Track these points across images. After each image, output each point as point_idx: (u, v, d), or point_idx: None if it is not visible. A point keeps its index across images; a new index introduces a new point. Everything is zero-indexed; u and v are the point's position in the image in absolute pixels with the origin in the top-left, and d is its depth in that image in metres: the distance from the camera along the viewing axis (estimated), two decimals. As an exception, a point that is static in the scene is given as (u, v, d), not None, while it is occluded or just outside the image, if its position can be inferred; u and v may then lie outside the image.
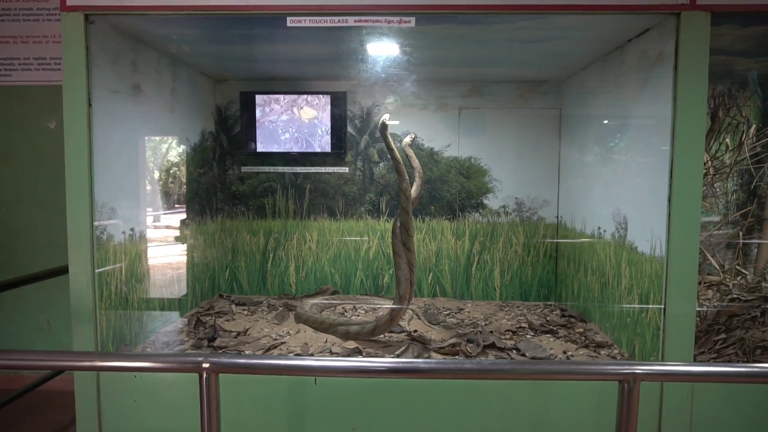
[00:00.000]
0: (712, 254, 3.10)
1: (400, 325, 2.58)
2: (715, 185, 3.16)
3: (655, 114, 2.02)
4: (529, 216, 3.25)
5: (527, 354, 2.25)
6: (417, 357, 2.23)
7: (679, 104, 1.88)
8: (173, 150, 2.89)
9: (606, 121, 2.56)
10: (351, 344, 2.37)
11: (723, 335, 1.99)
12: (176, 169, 2.91)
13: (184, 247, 2.96)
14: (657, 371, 1.58)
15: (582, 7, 1.87)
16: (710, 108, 3.12)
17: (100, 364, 1.54)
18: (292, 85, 3.23)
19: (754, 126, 3.10)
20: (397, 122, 3.22)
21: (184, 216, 2.97)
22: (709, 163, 3.10)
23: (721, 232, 3.20)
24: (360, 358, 2.10)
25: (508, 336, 2.50)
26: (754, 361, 1.95)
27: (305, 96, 3.15)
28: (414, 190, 2.46)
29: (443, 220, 3.27)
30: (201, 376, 1.50)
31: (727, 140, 3.17)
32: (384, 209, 3.29)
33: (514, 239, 3.25)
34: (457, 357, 2.24)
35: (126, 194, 2.31)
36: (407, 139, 2.54)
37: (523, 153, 3.24)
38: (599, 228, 2.59)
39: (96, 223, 2.06)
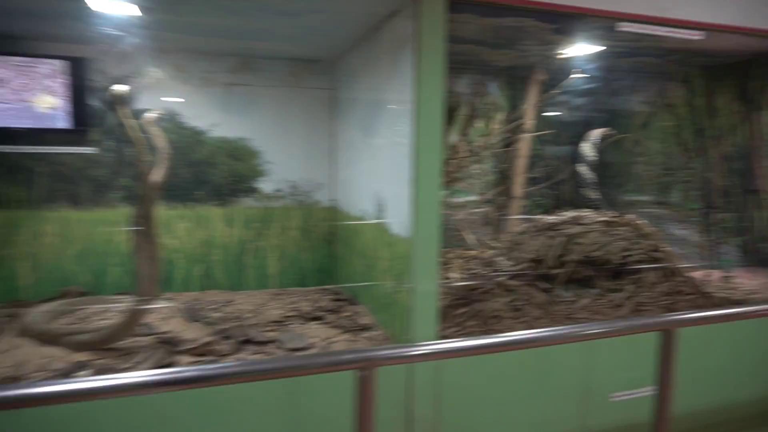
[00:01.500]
0: (470, 231, 3.37)
1: (149, 327, 2.28)
2: (471, 167, 3.44)
3: (404, 97, 2.03)
4: (304, 199, 3.16)
5: (287, 345, 2.14)
6: (160, 362, 1.97)
7: (421, 87, 1.90)
8: None
9: (367, 103, 2.55)
10: (83, 356, 2.01)
11: (465, 308, 2.11)
12: None
13: None
14: (391, 355, 1.57)
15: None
16: (468, 95, 3.35)
17: None
18: (14, 45, 2.64)
19: (503, 113, 3.43)
20: (179, 99, 2.84)
21: None
22: (464, 146, 3.35)
23: (480, 210, 3.50)
24: (42, 382, 1.74)
25: (272, 327, 2.37)
26: (489, 330, 2.11)
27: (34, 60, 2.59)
28: (158, 174, 2.16)
29: (212, 207, 3.00)
30: None
31: (482, 125, 3.46)
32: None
33: (290, 224, 3.13)
34: (208, 357, 2.03)
35: None
36: (150, 116, 2.22)
37: (297, 134, 3.11)
38: (363, 210, 2.59)
39: None
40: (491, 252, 2.51)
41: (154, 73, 2.85)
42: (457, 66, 3.09)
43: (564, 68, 2.96)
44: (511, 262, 2.31)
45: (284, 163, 3.10)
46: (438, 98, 1.91)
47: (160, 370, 1.40)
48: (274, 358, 1.85)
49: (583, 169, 2.81)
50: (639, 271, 2.39)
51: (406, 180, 1.98)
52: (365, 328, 2.37)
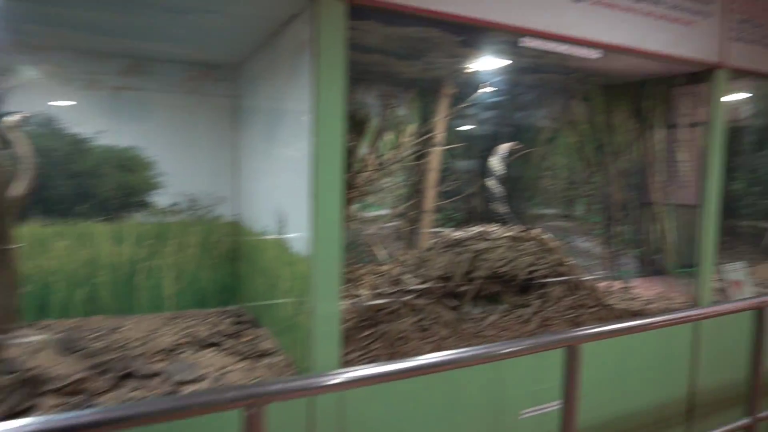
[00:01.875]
0: (382, 246, 3.28)
1: (11, 363, 1.97)
2: (382, 180, 3.37)
3: (302, 106, 1.90)
4: (204, 214, 2.93)
5: (174, 378, 1.93)
6: (17, 407, 1.69)
7: (320, 95, 1.78)
8: None
9: (268, 112, 2.39)
10: None
11: (370, 331, 2.00)
12: None
13: None
14: (282, 390, 1.42)
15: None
16: (377, 107, 3.29)
17: None
18: None
19: (413, 126, 3.39)
20: (58, 102, 2.53)
21: None
22: (374, 159, 3.28)
23: (392, 224, 3.42)
24: None
25: (160, 357, 2.14)
26: (395, 353, 2.00)
27: None
28: (19, 187, 1.88)
29: (97, 223, 2.71)
30: None
31: (393, 138, 3.41)
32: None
33: (189, 240, 2.89)
34: (79, 396, 1.78)
35: None
36: (11, 119, 1.94)
37: (196, 144, 2.89)
38: (266, 226, 2.42)
39: None
40: (399, 269, 2.43)
41: (27, 72, 2.53)
42: (365, 77, 3.01)
43: (472, 82, 2.96)
44: (418, 280, 2.24)
45: (182, 175, 2.86)
46: (338, 107, 1.80)
47: (6, 423, 1.17)
48: (142, 402, 1.64)
49: (492, 183, 2.81)
50: (545, 285, 2.40)
51: (305, 194, 1.85)
52: (266, 353, 2.19)
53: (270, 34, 2.29)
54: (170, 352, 2.19)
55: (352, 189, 2.97)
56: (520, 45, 2.26)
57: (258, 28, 2.23)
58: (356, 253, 3.17)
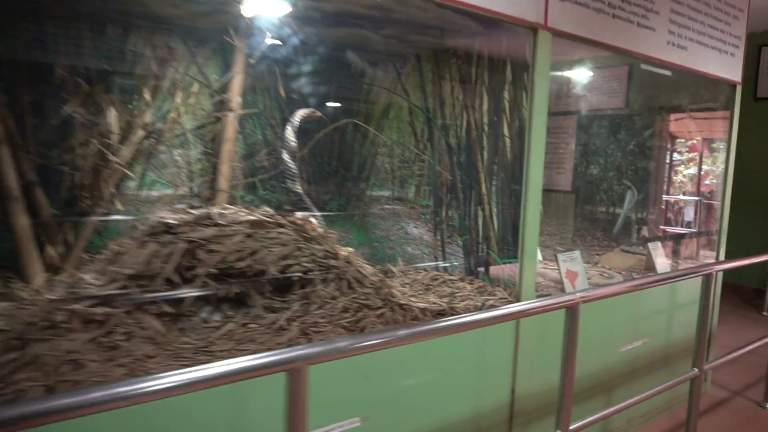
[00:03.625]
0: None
1: None
2: (166, 152, 2.78)
3: None
4: None
5: None
6: None
7: None
8: None
9: None
10: None
11: (15, 354, 1.45)
12: None
13: None
14: None
15: None
16: (152, 60, 2.67)
17: None
18: None
19: (201, 85, 2.82)
20: None
21: None
22: (147, 125, 2.68)
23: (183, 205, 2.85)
24: None
25: None
26: (60, 383, 1.46)
27: None
28: None
29: None
30: None
31: (177, 100, 2.82)
32: None
33: None
34: None
35: None
36: None
37: None
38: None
39: None
40: (89, 268, 1.88)
41: None
42: (129, 19, 2.39)
43: (261, 32, 2.43)
44: (102, 281, 1.70)
45: None
46: None
47: None
48: None
49: (286, 157, 2.32)
50: (310, 283, 1.94)
51: None
52: None
53: None
54: None
55: (114, 163, 2.37)
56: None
57: None
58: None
